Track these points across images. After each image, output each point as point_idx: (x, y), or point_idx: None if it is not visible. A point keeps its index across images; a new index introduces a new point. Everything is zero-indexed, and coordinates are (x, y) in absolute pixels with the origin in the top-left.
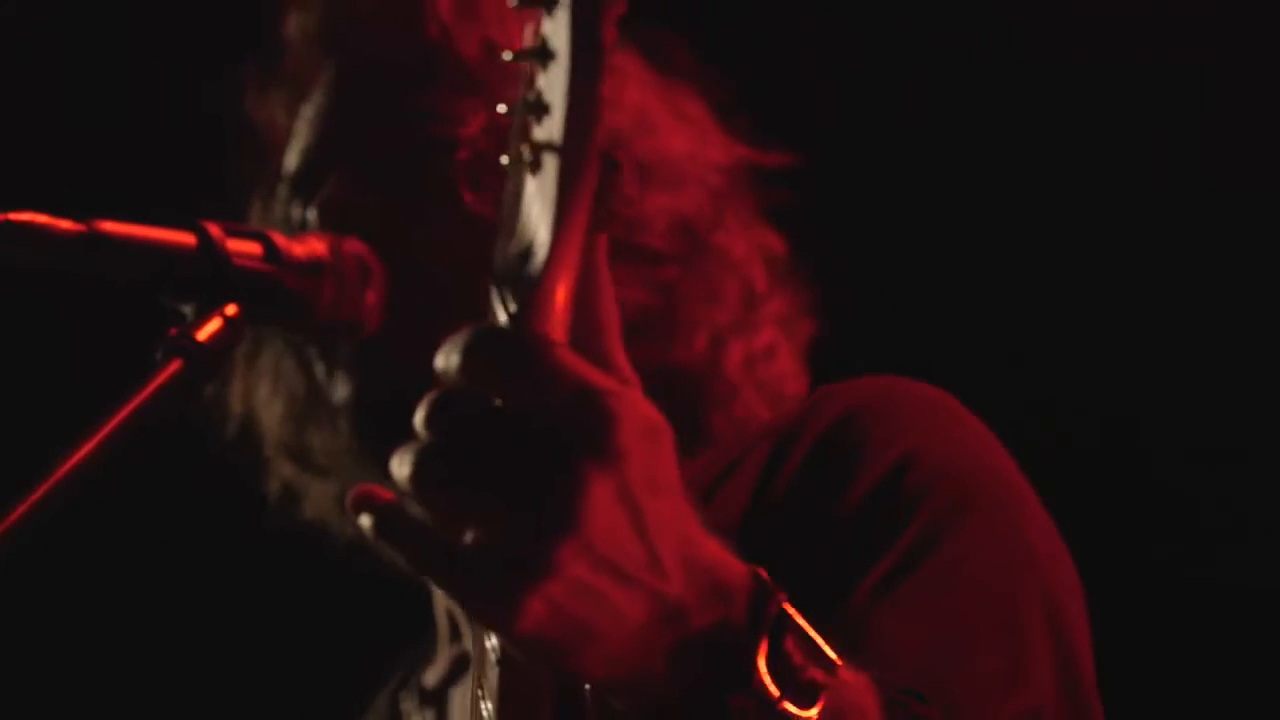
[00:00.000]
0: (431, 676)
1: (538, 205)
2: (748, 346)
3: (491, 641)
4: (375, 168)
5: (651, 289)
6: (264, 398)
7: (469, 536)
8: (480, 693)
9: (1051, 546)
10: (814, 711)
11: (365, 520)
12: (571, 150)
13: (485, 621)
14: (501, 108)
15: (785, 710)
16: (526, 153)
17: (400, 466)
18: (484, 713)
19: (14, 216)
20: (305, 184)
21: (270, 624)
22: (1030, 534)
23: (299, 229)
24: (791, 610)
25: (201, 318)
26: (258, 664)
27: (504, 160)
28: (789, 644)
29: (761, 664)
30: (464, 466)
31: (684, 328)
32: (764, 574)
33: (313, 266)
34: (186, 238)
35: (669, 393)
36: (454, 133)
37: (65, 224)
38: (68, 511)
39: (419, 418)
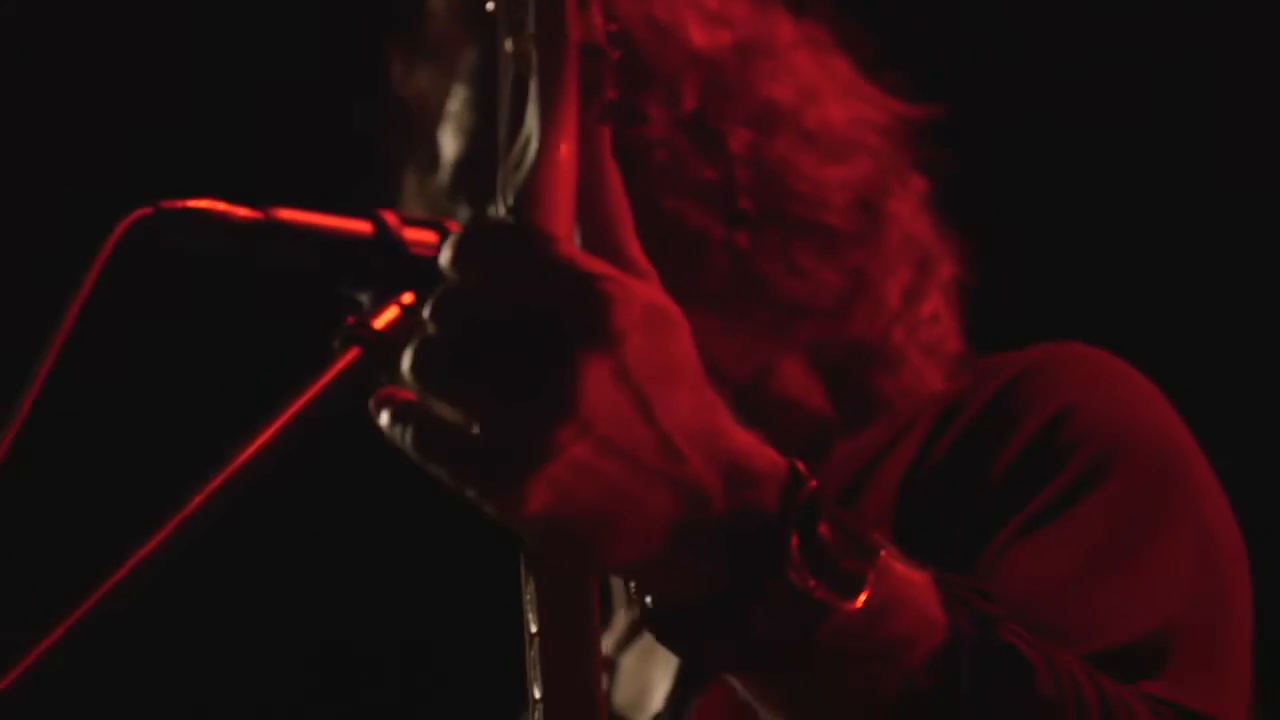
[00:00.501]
0: (608, 642)
1: (532, 100)
2: (917, 313)
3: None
4: None
5: (843, 274)
6: None
7: (474, 429)
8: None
9: (1216, 515)
10: (857, 601)
11: (383, 416)
12: (545, 35)
13: (496, 514)
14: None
15: (823, 600)
16: (511, 46)
17: (405, 360)
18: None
19: (193, 204)
20: (469, 180)
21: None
22: (1191, 497)
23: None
24: (827, 500)
25: (378, 306)
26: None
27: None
28: (825, 532)
29: (794, 551)
30: (460, 360)
31: (866, 305)
32: (800, 465)
33: None
34: (363, 226)
35: (844, 366)
36: (641, 133)
37: (243, 211)
38: (244, 502)
39: (424, 314)
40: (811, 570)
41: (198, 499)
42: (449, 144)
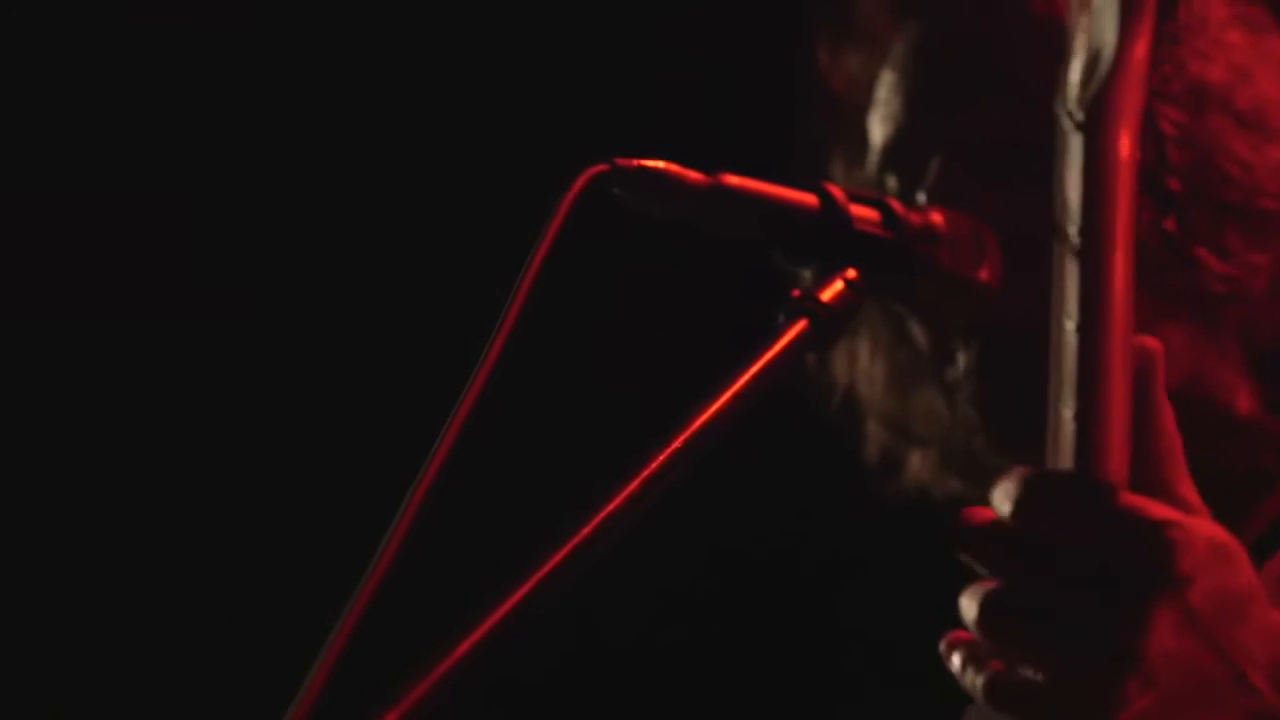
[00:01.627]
0: None
1: (1103, 14)
2: None
3: None
4: (987, 152)
5: (1274, 259)
6: (864, 368)
7: (1038, 674)
8: None
9: None
10: None
11: (954, 661)
12: None
13: None
14: None
15: None
16: None
17: (969, 609)
18: None
19: (648, 163)
20: (900, 161)
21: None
22: None
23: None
24: None
25: (823, 280)
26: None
27: None
28: None
29: None
30: (1028, 611)
31: None
32: None
33: (930, 236)
34: (809, 198)
35: (1276, 356)
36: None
37: (693, 174)
38: (695, 472)
39: (982, 556)
40: None
41: (646, 472)
42: (877, 130)
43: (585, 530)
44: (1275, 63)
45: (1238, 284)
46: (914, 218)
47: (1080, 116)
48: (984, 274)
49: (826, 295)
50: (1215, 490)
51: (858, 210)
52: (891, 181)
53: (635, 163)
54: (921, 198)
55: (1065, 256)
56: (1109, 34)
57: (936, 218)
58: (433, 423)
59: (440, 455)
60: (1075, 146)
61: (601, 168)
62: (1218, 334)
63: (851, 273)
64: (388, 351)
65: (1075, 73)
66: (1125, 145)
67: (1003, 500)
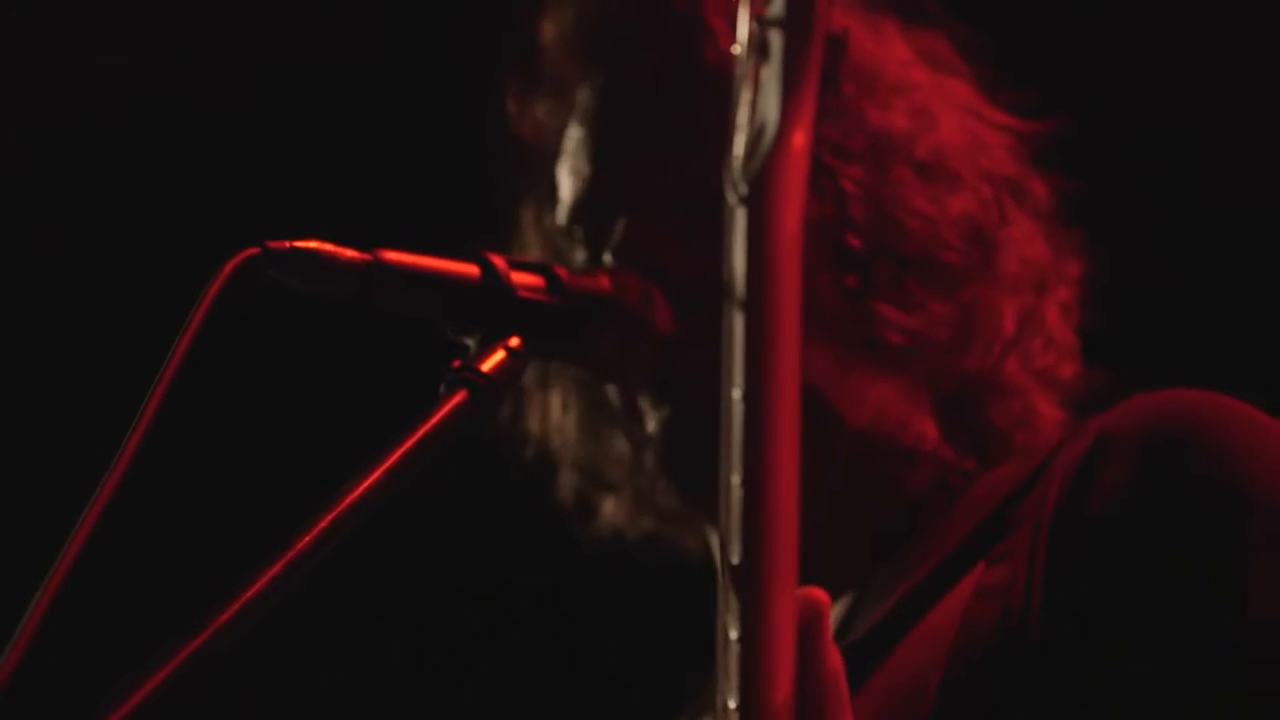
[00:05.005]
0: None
1: (767, 89)
2: (1031, 340)
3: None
4: (676, 210)
5: (954, 304)
6: (556, 422)
7: None
8: None
9: None
10: None
11: None
12: (792, 20)
13: None
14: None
15: None
16: (754, 30)
17: None
18: None
19: (300, 244)
20: (587, 217)
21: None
22: None
23: (588, 258)
24: None
25: (485, 349)
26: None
27: (734, 50)
28: None
29: None
30: None
31: (981, 338)
32: None
33: (596, 300)
34: (469, 269)
35: (959, 402)
36: None
37: (350, 253)
38: (353, 542)
39: None
40: None
41: (305, 540)
42: (565, 184)
43: (223, 617)
44: (957, 105)
45: (919, 335)
46: (580, 281)
47: (744, 191)
48: (655, 326)
49: (487, 365)
50: (899, 511)
51: (520, 278)
52: (579, 234)
53: (287, 245)
54: (607, 256)
55: (733, 319)
56: (772, 111)
57: (603, 281)
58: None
59: (74, 551)
60: (740, 219)
61: (252, 251)
62: (903, 379)
63: (514, 340)
64: (28, 448)
65: (739, 146)
66: (789, 222)
67: None
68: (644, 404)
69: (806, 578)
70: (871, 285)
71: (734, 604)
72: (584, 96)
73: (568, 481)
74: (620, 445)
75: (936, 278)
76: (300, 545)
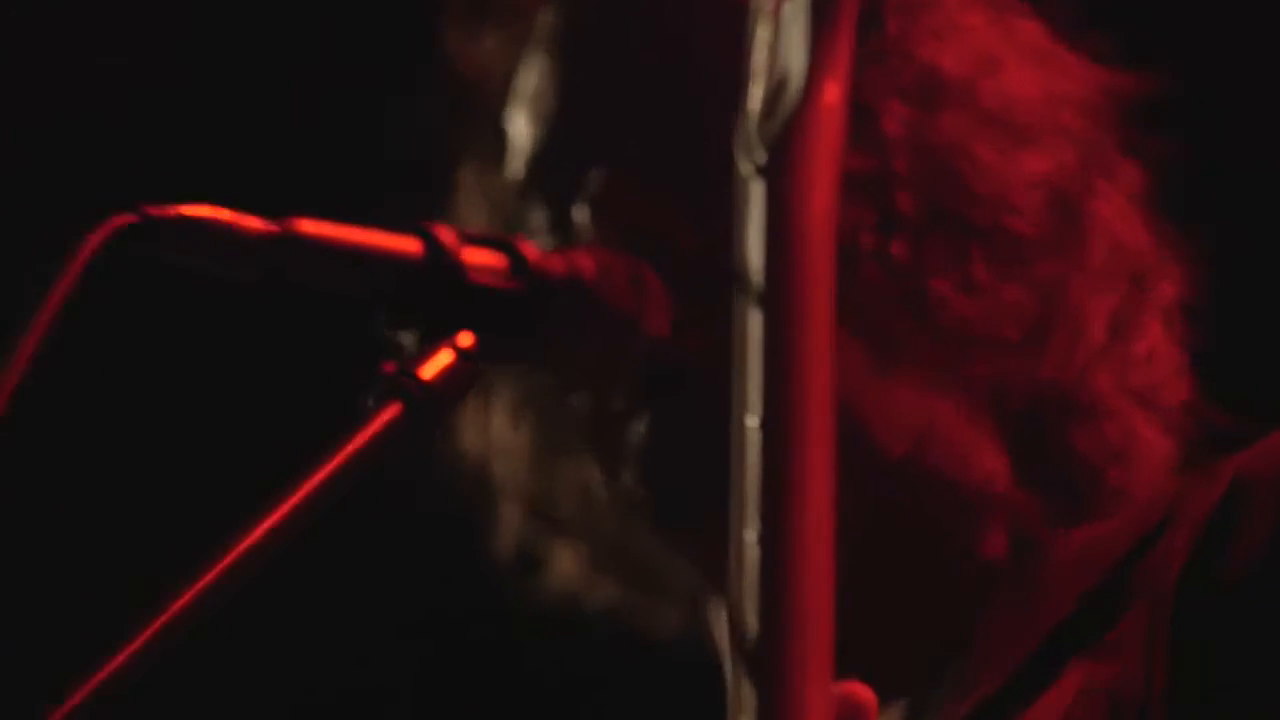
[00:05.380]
0: None
1: (792, 30)
2: (1127, 349)
3: None
4: (665, 162)
5: (1028, 290)
6: (501, 439)
7: None
8: None
9: None
10: None
11: None
12: None
13: None
14: None
15: None
16: None
17: None
18: None
19: (190, 211)
20: (551, 171)
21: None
22: None
23: (551, 224)
24: None
25: (426, 350)
26: None
27: None
28: None
29: None
30: None
31: (1062, 339)
32: None
33: (571, 287)
34: (409, 244)
35: (1033, 425)
36: None
37: (255, 223)
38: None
39: None
40: None
41: (185, 599)
42: (522, 129)
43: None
44: (1027, 51)
45: (987, 326)
46: (553, 263)
47: (761, 159)
48: (646, 325)
49: (428, 371)
50: (968, 580)
51: (474, 256)
52: (537, 197)
53: (173, 211)
54: (578, 218)
55: (748, 320)
56: (798, 58)
57: (584, 262)
58: None
59: None
60: (756, 195)
61: (128, 218)
62: (962, 394)
63: (465, 338)
64: None
65: (756, 101)
66: (820, 198)
67: None
68: (623, 423)
69: (845, 669)
70: (924, 260)
71: (749, 701)
72: (551, 20)
73: (509, 522)
74: (585, 476)
75: (1006, 254)
76: (180, 603)
